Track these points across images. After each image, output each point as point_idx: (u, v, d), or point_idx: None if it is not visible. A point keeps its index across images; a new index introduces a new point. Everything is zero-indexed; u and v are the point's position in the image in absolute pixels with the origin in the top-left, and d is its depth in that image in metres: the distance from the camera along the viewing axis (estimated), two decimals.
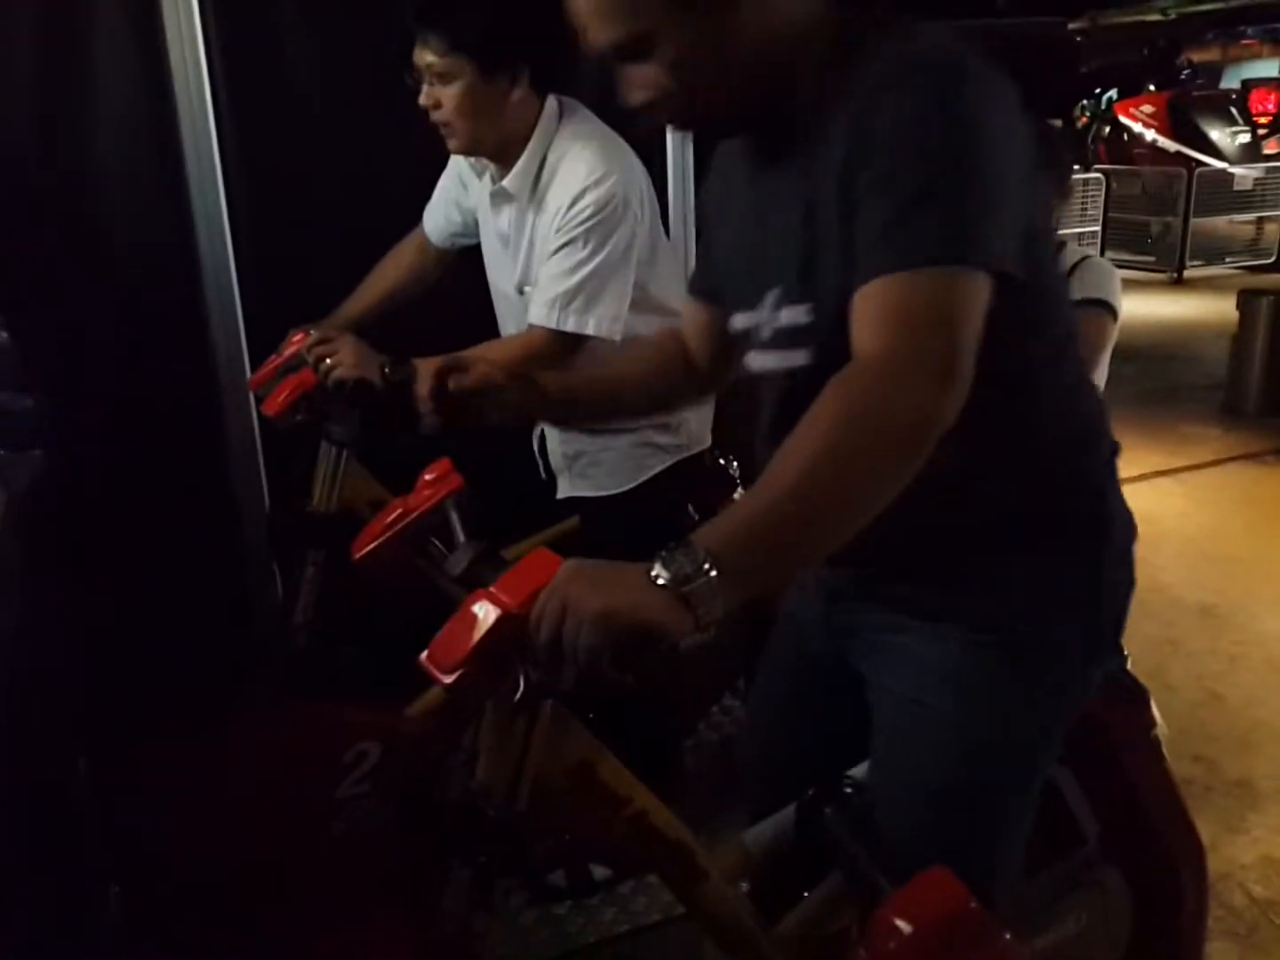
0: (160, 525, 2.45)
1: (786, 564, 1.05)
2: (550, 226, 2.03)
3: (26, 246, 2.24)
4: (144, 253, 2.43)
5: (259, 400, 2.29)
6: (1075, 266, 2.23)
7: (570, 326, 2.00)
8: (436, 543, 1.45)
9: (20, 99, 2.28)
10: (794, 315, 1.25)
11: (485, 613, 1.03)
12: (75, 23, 2.29)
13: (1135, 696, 1.78)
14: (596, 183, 1.98)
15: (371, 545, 1.53)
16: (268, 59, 2.49)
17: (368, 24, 2.50)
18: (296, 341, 2.24)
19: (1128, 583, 1.42)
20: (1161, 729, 1.80)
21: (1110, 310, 2.21)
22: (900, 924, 1.09)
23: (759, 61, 1.19)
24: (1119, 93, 15.24)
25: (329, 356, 2.04)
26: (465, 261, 2.41)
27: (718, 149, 1.43)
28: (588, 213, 1.98)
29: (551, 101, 2.07)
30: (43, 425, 1.79)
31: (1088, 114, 15.06)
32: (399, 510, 1.55)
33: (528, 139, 2.04)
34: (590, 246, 1.98)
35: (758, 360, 1.35)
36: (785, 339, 1.27)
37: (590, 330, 2.01)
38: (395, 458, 1.51)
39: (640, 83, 1.20)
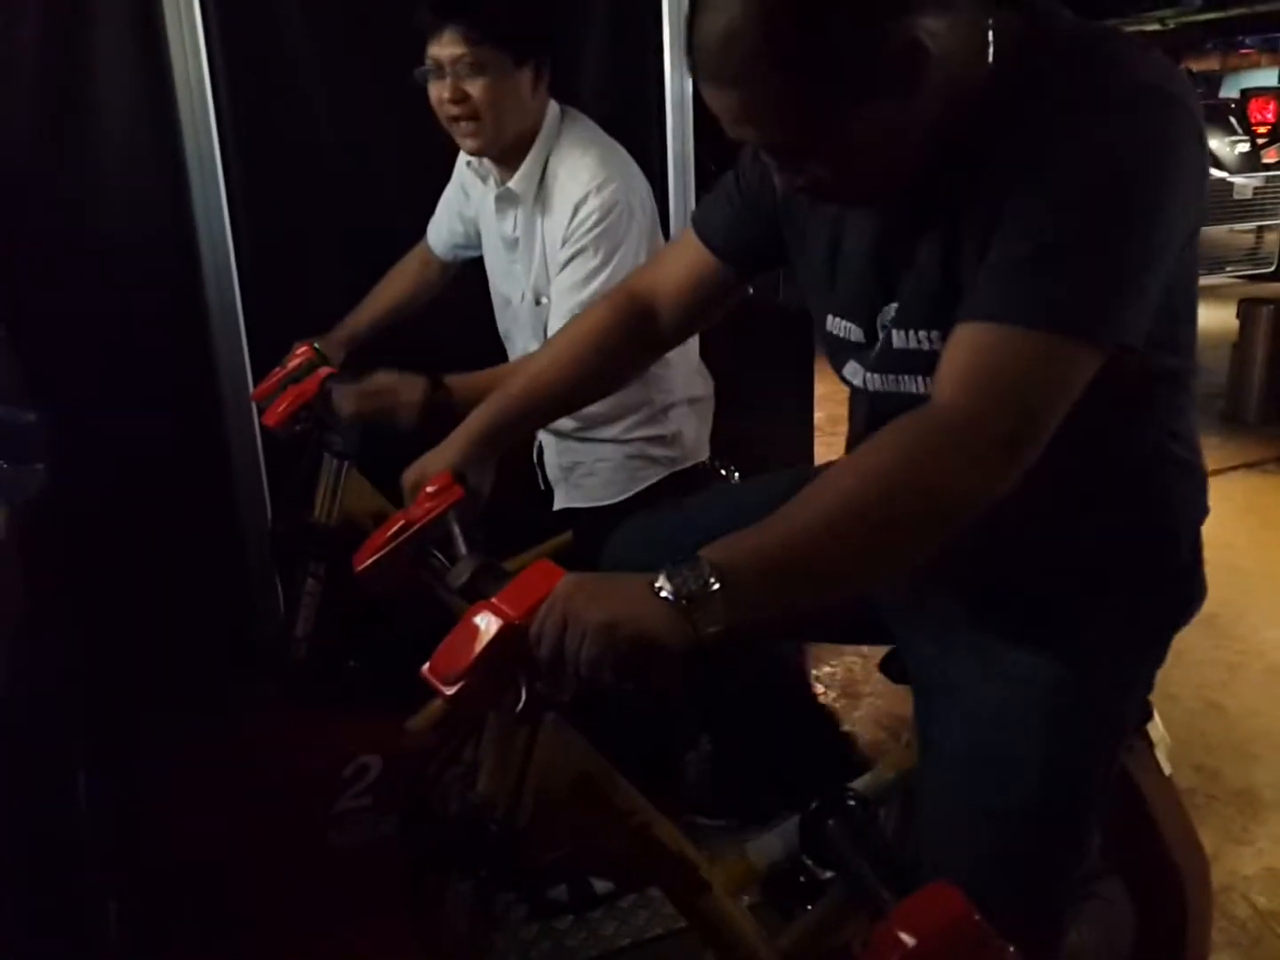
0: (162, 538, 2.45)
1: (792, 600, 1.03)
2: (557, 235, 2.04)
3: (27, 260, 2.24)
4: (146, 265, 2.44)
5: (261, 412, 2.30)
6: None
7: None
8: (439, 555, 1.45)
9: (20, 108, 2.30)
10: (914, 340, 1.18)
11: (487, 624, 1.03)
12: (76, 22, 2.30)
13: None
14: (598, 189, 1.98)
15: (373, 558, 1.53)
16: (270, 62, 2.49)
17: (372, 23, 2.51)
18: (301, 354, 2.24)
19: (1182, 620, 1.40)
20: (1164, 739, 1.79)
21: None
22: (903, 937, 1.09)
23: (928, 140, 1.07)
24: None
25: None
26: (468, 272, 2.41)
27: None
28: (593, 220, 1.98)
29: (554, 105, 2.08)
30: (45, 439, 1.79)
31: None
32: (401, 522, 1.55)
33: (532, 141, 2.04)
34: (602, 254, 1.98)
35: (860, 376, 1.28)
36: (898, 361, 1.21)
37: None
38: (397, 469, 1.51)
39: (796, 176, 1.11)
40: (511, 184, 2.08)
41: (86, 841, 1.72)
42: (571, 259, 2.00)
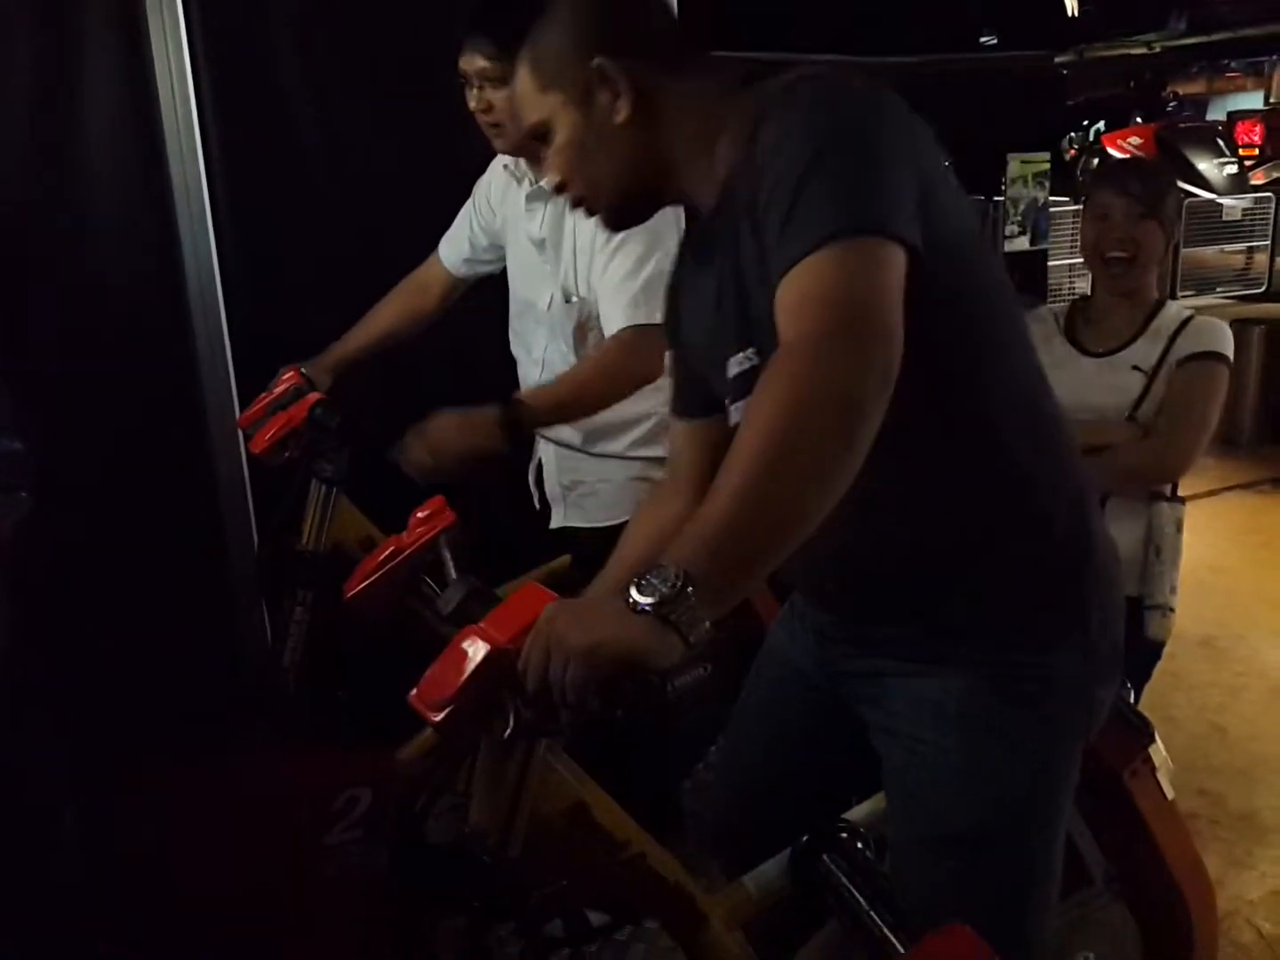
0: (148, 566, 2.43)
1: (759, 563, 1.02)
2: (587, 230, 2.07)
3: (11, 288, 2.23)
4: (131, 292, 2.42)
5: (248, 438, 2.28)
6: (1183, 325, 2.20)
7: (657, 318, 2.01)
8: (429, 581, 1.44)
9: (6, 138, 2.28)
10: (741, 362, 1.25)
11: (474, 649, 1.02)
12: (63, 51, 2.30)
13: (1140, 731, 1.76)
14: None
15: (363, 584, 1.52)
16: (257, 89, 2.50)
17: (362, 49, 2.52)
18: (287, 379, 2.22)
19: (1117, 602, 1.40)
20: (1165, 763, 1.77)
21: (1223, 361, 2.19)
22: None
23: (658, 160, 1.26)
24: (1106, 125, 15.40)
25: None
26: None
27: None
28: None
29: None
30: (31, 466, 1.77)
31: (1076, 146, 15.21)
32: (391, 548, 1.54)
33: None
34: (645, 242, 2.00)
35: (734, 416, 1.32)
36: (742, 386, 1.25)
37: None
38: (386, 496, 1.50)
39: (545, 165, 1.33)
40: (544, 181, 2.10)
41: (73, 873, 1.69)
42: (616, 251, 2.03)
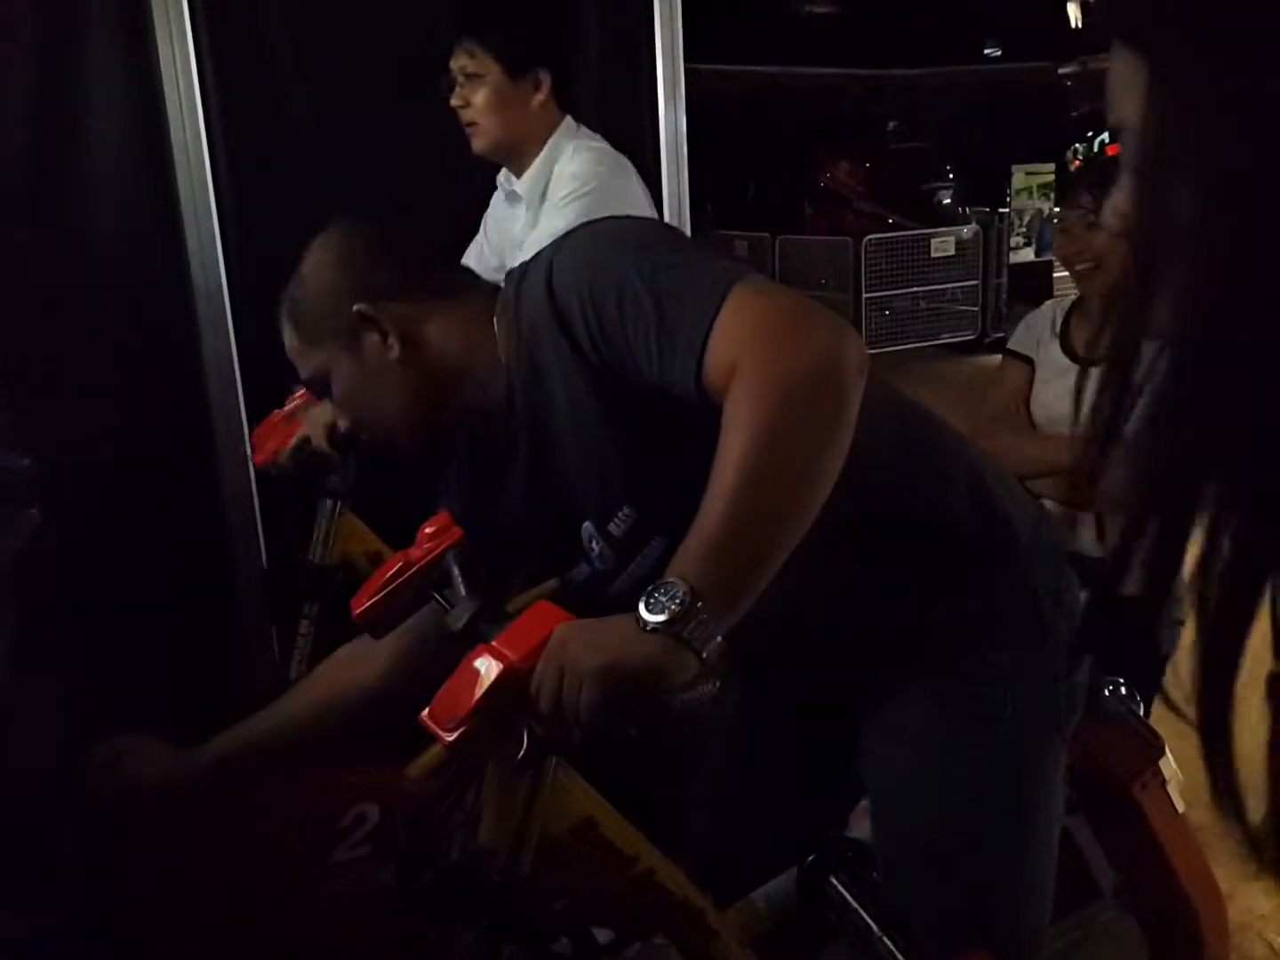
0: (156, 581, 2.43)
1: (762, 566, 1.03)
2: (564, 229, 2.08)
3: (21, 305, 2.23)
4: (139, 308, 2.42)
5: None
6: None
7: None
8: (438, 597, 1.43)
9: (10, 151, 2.29)
10: (621, 523, 1.26)
11: (487, 668, 1.01)
12: (68, 53, 2.31)
13: (1149, 743, 1.75)
14: (587, 181, 2.07)
15: (370, 600, 1.51)
16: (266, 108, 2.51)
17: (367, 49, 2.53)
18: (299, 397, 2.22)
19: (1066, 576, 1.38)
20: (1176, 775, 1.77)
21: None
22: None
23: (439, 385, 1.28)
24: (1110, 136, 15.41)
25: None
26: None
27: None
28: (571, 195, 2.08)
29: (568, 120, 2.19)
30: (38, 483, 1.78)
31: (1080, 157, 15.21)
32: (399, 563, 1.53)
33: (540, 149, 2.16)
34: (569, 218, 2.01)
35: (622, 583, 1.32)
36: (628, 544, 1.27)
37: None
38: (393, 510, 1.49)
39: (335, 412, 1.40)
40: (517, 185, 2.20)
41: (73, 889, 1.69)
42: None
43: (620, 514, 1.26)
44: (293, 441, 2.09)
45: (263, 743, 1.57)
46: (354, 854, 1.84)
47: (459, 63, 2.12)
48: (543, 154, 2.17)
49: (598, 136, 2.23)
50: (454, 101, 2.14)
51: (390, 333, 1.25)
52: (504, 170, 2.28)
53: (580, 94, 2.61)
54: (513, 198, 2.24)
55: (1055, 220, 2.30)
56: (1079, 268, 2.19)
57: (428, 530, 1.48)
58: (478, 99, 2.12)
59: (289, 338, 1.33)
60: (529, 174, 2.18)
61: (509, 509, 1.37)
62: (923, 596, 1.31)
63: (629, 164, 2.22)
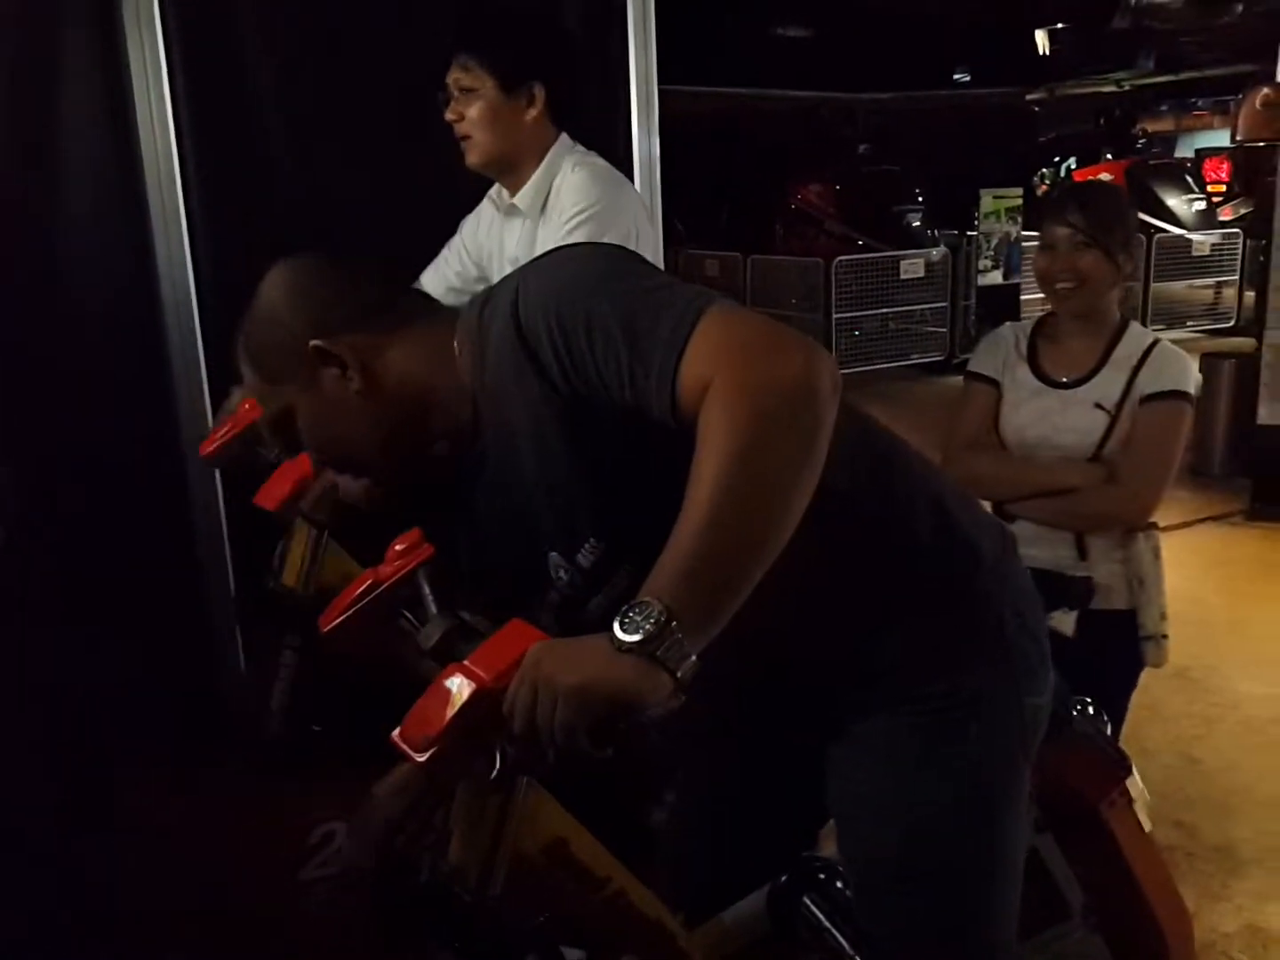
0: (125, 602, 2.40)
1: (736, 586, 1.02)
2: (550, 241, 2.09)
3: None
4: (109, 325, 2.42)
5: (224, 474, 2.26)
6: (1146, 355, 2.17)
7: None
8: (408, 615, 1.42)
9: None
10: (589, 554, 1.25)
11: (459, 687, 1.00)
12: (39, 59, 2.31)
13: (1116, 763, 1.76)
14: (594, 201, 2.09)
15: (339, 619, 1.49)
16: (237, 124, 2.51)
17: (339, 60, 2.54)
18: (249, 410, 2.19)
19: (1029, 594, 1.38)
20: (1143, 794, 1.78)
21: (1186, 399, 2.16)
22: None
23: (404, 412, 1.25)
24: (1078, 161, 15.60)
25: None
26: None
27: None
28: (577, 219, 2.08)
29: (564, 137, 2.21)
30: (4, 501, 1.76)
31: (1048, 182, 15.39)
32: (369, 581, 1.52)
33: (539, 162, 2.18)
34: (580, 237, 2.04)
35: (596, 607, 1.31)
36: (596, 575, 1.26)
37: None
38: (374, 536, 1.48)
39: (309, 452, 1.36)
40: (515, 199, 2.22)
41: (54, 908, 1.67)
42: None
43: (588, 544, 1.26)
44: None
45: None
46: (322, 872, 1.83)
47: (454, 76, 2.13)
48: (540, 168, 2.18)
49: (592, 153, 2.24)
50: (449, 115, 2.16)
51: (349, 365, 1.23)
52: (496, 186, 2.29)
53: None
54: (512, 211, 2.25)
55: (1041, 234, 2.27)
56: (1060, 286, 2.19)
57: (397, 548, 1.47)
58: (472, 113, 2.13)
59: (248, 377, 1.31)
60: (528, 188, 2.20)
61: (477, 530, 1.37)
62: (884, 618, 1.30)
63: (625, 179, 2.25)
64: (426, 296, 1.41)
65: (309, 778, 2.00)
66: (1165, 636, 2.18)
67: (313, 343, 1.22)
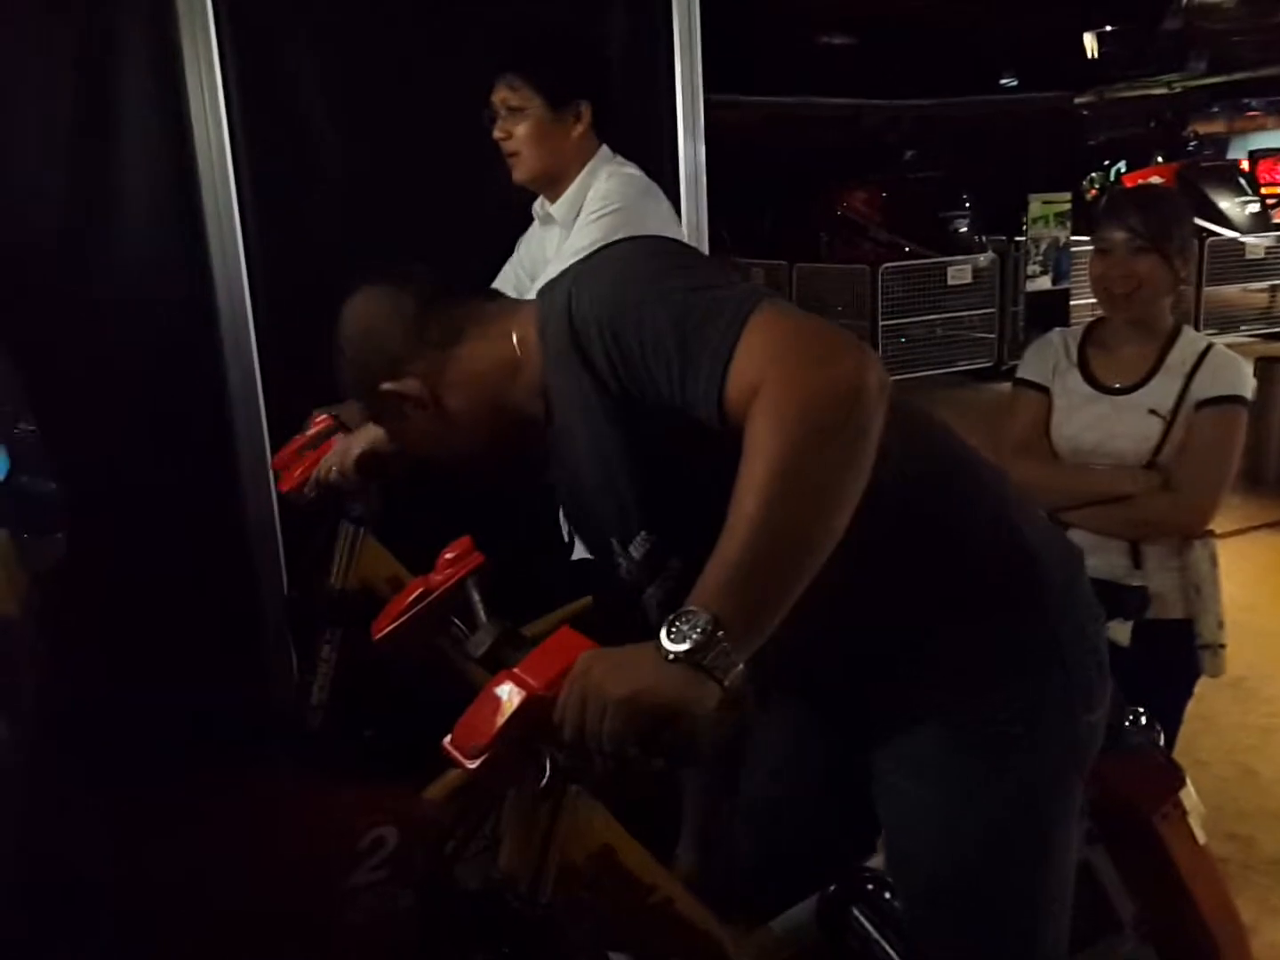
0: (179, 606, 2.44)
1: (782, 595, 1.02)
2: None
3: (44, 325, 2.26)
4: (166, 335, 2.45)
5: (279, 479, 2.30)
6: (1201, 359, 2.16)
7: None
8: (458, 623, 1.43)
9: (48, 184, 2.34)
10: (642, 545, 1.28)
11: (509, 695, 1.01)
12: (101, 79, 2.36)
13: (1170, 774, 1.74)
14: (618, 201, 2.12)
15: (391, 626, 1.51)
16: (294, 142, 2.55)
17: (391, 74, 2.57)
18: (320, 422, 2.24)
19: (1089, 606, 1.37)
20: (1197, 806, 1.75)
21: (1242, 403, 2.14)
22: None
23: (488, 411, 1.31)
24: (1127, 165, 15.42)
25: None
26: None
27: None
28: (595, 215, 2.13)
29: (604, 149, 2.24)
30: (65, 509, 1.80)
31: (1097, 186, 15.23)
32: (420, 589, 1.54)
33: (576, 175, 2.21)
34: (594, 236, 2.05)
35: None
36: (648, 567, 1.29)
37: None
38: (414, 535, 1.50)
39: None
40: (553, 209, 2.25)
41: (99, 906, 1.69)
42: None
43: (639, 537, 1.27)
44: (317, 472, 2.10)
45: None
46: (372, 877, 1.85)
47: (500, 96, 2.16)
48: (578, 179, 2.21)
49: (631, 163, 2.26)
50: (496, 134, 2.19)
51: (421, 396, 1.30)
52: (540, 198, 2.31)
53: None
54: (547, 221, 2.28)
55: (1097, 238, 2.24)
56: (1118, 290, 2.17)
57: (447, 556, 1.49)
58: (520, 131, 2.16)
59: (361, 410, 1.47)
60: (564, 198, 2.23)
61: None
62: (932, 622, 1.29)
63: (659, 190, 2.26)
64: (480, 293, 1.44)
65: (360, 782, 2.02)
66: (1223, 645, 2.15)
67: (383, 387, 1.30)
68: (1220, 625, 2.15)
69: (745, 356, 1.07)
